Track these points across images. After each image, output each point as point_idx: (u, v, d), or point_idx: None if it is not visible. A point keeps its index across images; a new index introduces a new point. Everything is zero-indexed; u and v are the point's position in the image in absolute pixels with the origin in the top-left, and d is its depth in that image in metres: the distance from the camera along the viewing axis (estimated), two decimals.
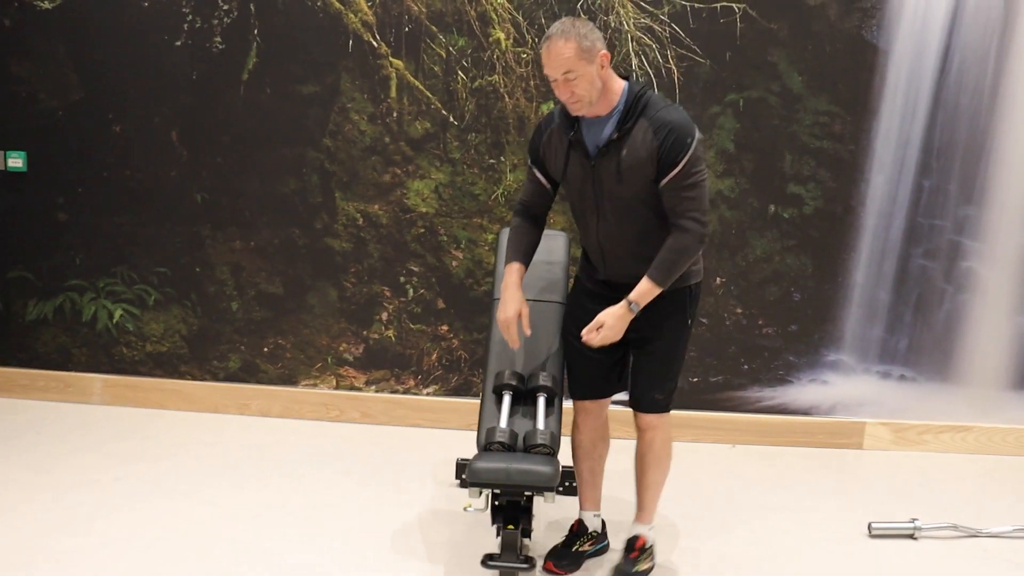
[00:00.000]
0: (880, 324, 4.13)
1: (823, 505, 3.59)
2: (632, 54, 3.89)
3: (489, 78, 3.92)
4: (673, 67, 3.92)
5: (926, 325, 4.14)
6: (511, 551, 2.54)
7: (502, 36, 3.89)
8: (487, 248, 4.04)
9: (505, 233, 3.27)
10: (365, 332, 4.12)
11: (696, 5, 3.87)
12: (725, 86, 3.94)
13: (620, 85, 2.64)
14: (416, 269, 4.08)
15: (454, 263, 4.07)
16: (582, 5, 3.85)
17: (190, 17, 3.86)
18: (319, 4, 3.85)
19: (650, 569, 2.94)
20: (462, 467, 3.56)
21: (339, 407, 4.15)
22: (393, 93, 3.93)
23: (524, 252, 2.83)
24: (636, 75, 3.86)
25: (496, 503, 2.63)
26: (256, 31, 3.87)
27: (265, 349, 4.12)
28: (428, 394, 4.17)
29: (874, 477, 3.92)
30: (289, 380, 4.15)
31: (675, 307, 2.77)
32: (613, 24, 3.87)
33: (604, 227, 2.71)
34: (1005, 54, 3.92)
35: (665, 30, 3.88)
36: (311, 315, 4.11)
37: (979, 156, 4.00)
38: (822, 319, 4.13)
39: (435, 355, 4.14)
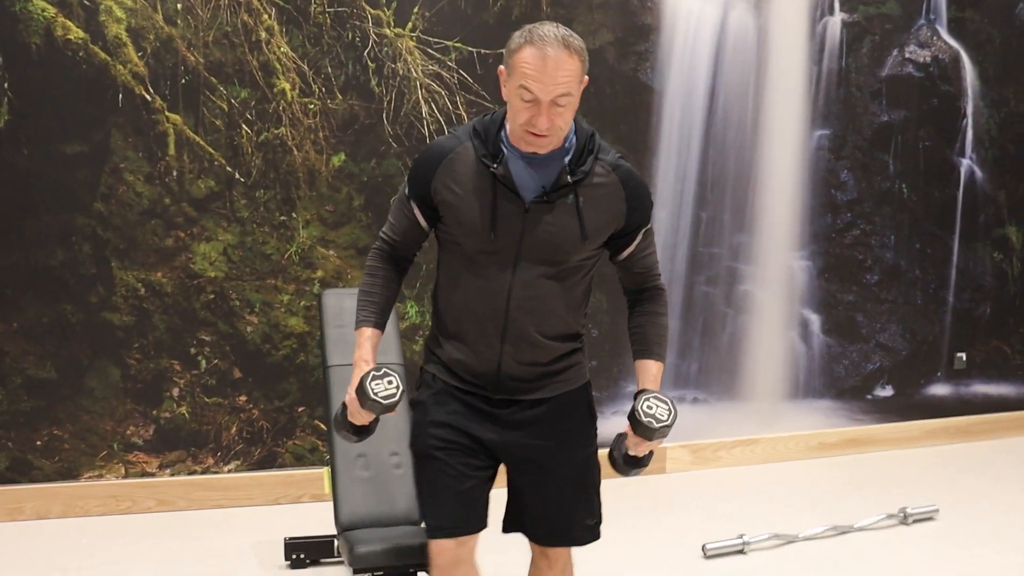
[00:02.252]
0: (672, 351, 4.32)
1: (650, 534, 3.69)
2: (422, 101, 3.84)
3: (276, 131, 3.72)
4: (463, 113, 3.91)
5: (712, 348, 4.40)
6: None
7: (287, 86, 3.70)
8: (283, 310, 3.82)
9: (328, 296, 3.09)
10: (155, 411, 3.74)
11: (483, 51, 3.89)
12: None
13: None
14: (208, 338, 3.77)
15: (249, 329, 3.80)
16: (369, 52, 3.76)
17: None
18: (81, 54, 3.48)
19: None
20: (291, 547, 3.32)
21: (131, 497, 3.73)
22: (172, 150, 3.63)
23: (381, 309, 2.17)
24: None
25: None
26: (6, 83, 3.43)
27: (38, 443, 3.63)
28: (230, 471, 3.86)
29: (685, 499, 4.10)
30: (69, 474, 3.68)
31: (584, 406, 2.29)
32: (401, 72, 3.81)
33: (518, 294, 2.08)
34: (761, 92, 4.29)
35: (453, 76, 3.87)
36: (91, 399, 3.68)
37: (747, 187, 4.33)
38: (619, 352, 4.27)
39: (234, 428, 3.84)
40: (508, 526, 2.29)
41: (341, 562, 3.44)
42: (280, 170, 3.76)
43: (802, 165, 4.39)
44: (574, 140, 2.06)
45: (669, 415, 2.01)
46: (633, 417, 2.03)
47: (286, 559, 3.34)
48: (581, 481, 2.25)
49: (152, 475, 3.78)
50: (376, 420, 2.11)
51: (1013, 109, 4.76)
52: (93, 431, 3.70)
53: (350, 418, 2.09)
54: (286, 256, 3.81)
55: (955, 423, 4.90)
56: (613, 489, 4.06)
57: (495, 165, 2.03)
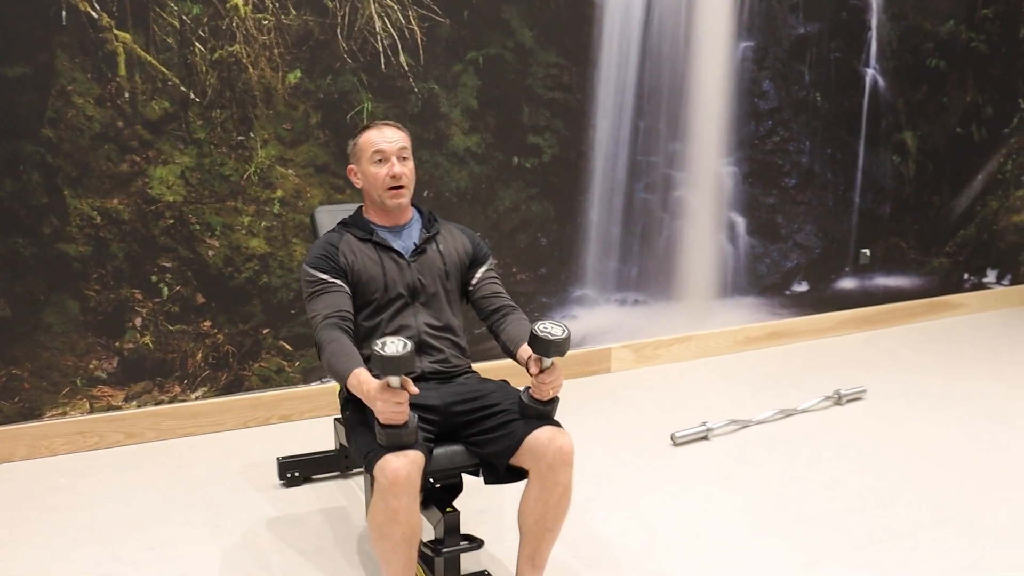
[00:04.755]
0: (614, 256, 4.52)
1: (616, 430, 3.90)
2: (375, 16, 3.79)
3: (230, 48, 3.59)
4: (415, 27, 3.89)
5: (650, 252, 4.60)
6: (456, 533, 2.48)
7: (240, 2, 3.57)
8: (244, 232, 3.74)
9: (320, 214, 3.10)
10: (118, 343, 3.63)
11: None
12: (465, 44, 4.00)
13: None
14: (169, 265, 3.66)
15: (211, 252, 3.71)
16: None
17: None
18: None
19: None
20: (285, 466, 3.34)
21: (98, 432, 3.63)
22: (122, 71, 3.45)
23: (357, 358, 2.39)
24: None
25: (430, 488, 2.53)
26: None
27: None
28: (197, 398, 3.80)
29: (636, 395, 4.34)
30: (31, 414, 3.54)
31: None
32: None
33: (424, 318, 2.61)
34: (693, 5, 4.43)
35: None
36: (50, 335, 3.53)
37: (680, 97, 4.50)
38: (567, 259, 4.42)
39: (200, 355, 3.78)
40: (507, 472, 2.42)
41: (335, 476, 3.51)
42: (236, 89, 3.64)
43: (728, 76, 4.60)
44: (418, 215, 2.74)
45: (563, 331, 2.30)
46: (533, 336, 2.30)
47: (280, 478, 3.36)
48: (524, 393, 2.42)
49: (118, 408, 3.68)
50: (415, 419, 2.24)
51: (911, 22, 5.09)
52: (54, 368, 3.56)
53: (387, 422, 2.19)
54: (245, 177, 3.72)
55: (861, 313, 5.34)
56: (567, 391, 4.27)
57: (373, 236, 2.65)
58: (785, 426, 3.93)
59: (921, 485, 3.35)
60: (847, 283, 5.23)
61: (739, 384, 4.46)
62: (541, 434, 2.33)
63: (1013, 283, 5.99)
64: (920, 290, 5.57)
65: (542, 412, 2.38)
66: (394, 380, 2.14)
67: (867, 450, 3.67)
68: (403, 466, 2.17)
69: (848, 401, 4.18)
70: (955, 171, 5.54)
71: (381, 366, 2.11)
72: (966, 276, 5.77)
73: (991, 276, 5.87)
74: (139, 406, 3.72)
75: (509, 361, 2.57)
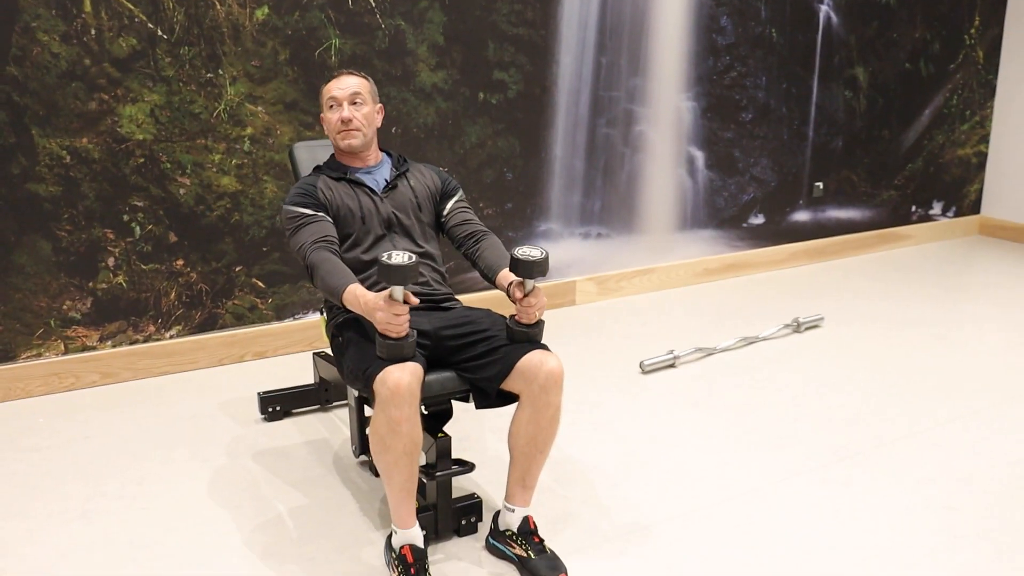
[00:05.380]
0: (578, 191, 4.60)
1: (582, 360, 4.02)
2: None
3: None
4: None
5: (612, 186, 4.69)
6: (448, 457, 2.57)
7: None
8: (215, 170, 3.74)
9: (299, 149, 3.13)
10: (91, 283, 3.62)
11: None
12: None
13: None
14: (140, 204, 3.65)
15: (182, 191, 3.71)
16: None
17: None
18: None
19: None
20: (266, 401, 3.40)
21: (73, 373, 3.64)
22: (88, 7, 3.39)
23: (349, 273, 2.49)
24: None
25: (421, 415, 2.61)
26: None
27: None
28: (172, 337, 3.82)
29: (601, 325, 4.45)
30: (5, 356, 3.53)
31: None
32: None
33: (403, 246, 2.73)
34: None
35: None
36: (22, 276, 3.51)
37: (640, 33, 4.55)
38: (532, 193, 4.49)
39: (173, 294, 3.79)
40: (497, 396, 2.49)
41: (315, 410, 3.57)
42: (204, 25, 3.60)
43: (687, 11, 4.66)
44: (387, 157, 2.91)
45: (541, 252, 2.40)
46: (514, 260, 2.39)
47: (261, 412, 3.42)
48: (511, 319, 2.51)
49: (93, 348, 3.69)
50: (414, 333, 2.32)
51: None
52: (27, 309, 3.55)
53: (387, 334, 2.27)
54: (215, 114, 3.70)
55: (814, 245, 5.51)
56: None
57: (346, 175, 2.80)
58: (748, 353, 4.08)
59: (879, 405, 3.53)
60: (801, 216, 5.39)
61: (701, 314, 4.60)
62: (532, 357, 2.41)
63: (957, 215, 6.22)
64: (870, 222, 5.75)
65: (530, 335, 2.46)
66: (397, 291, 2.23)
67: (827, 374, 3.84)
68: (404, 376, 2.25)
69: (806, 328, 4.35)
70: (904, 106, 5.70)
71: (387, 275, 2.20)
72: (914, 208, 5.97)
73: (937, 208, 6.09)
74: (114, 346, 3.73)
75: (488, 294, 2.63)
